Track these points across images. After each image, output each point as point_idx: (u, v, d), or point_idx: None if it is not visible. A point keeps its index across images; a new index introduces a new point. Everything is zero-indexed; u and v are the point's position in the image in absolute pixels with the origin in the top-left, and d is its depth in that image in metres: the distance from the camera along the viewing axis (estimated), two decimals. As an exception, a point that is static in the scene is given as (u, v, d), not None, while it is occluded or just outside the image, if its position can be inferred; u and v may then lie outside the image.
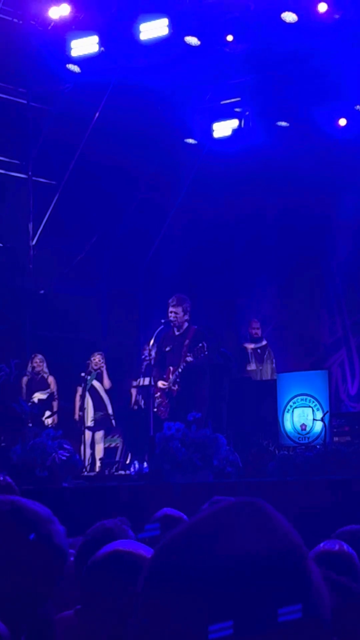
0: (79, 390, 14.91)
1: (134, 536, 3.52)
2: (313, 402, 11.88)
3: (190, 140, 16.80)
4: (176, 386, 12.07)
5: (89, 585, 2.75)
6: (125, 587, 2.49)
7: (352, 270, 16.67)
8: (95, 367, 15.08)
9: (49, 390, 14.93)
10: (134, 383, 15.02)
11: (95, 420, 14.96)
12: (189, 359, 11.88)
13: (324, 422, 11.49)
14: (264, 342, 15.50)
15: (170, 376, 12.14)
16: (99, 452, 14.89)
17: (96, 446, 14.93)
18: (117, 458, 14.67)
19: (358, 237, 16.17)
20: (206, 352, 11.83)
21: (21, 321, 16.29)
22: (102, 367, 15.17)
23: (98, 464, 14.24)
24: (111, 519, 3.69)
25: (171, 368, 12.16)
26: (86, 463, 13.56)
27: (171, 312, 12.18)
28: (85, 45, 14.47)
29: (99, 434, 15.04)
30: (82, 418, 14.63)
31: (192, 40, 14.05)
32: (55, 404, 14.85)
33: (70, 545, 3.84)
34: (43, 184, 16.48)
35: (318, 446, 11.06)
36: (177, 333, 12.23)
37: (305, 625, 1.28)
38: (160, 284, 17.49)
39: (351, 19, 13.35)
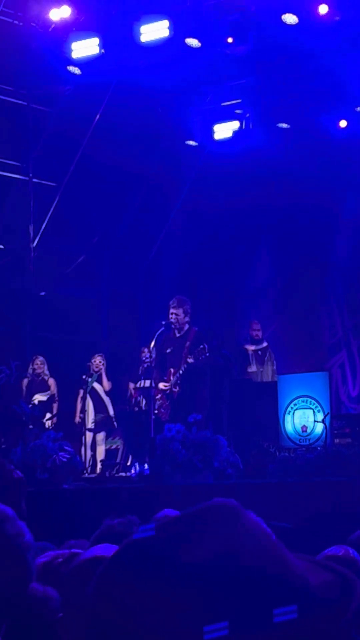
0: (80, 392, 14.91)
1: None
2: (314, 403, 11.89)
3: (191, 142, 16.81)
4: (177, 388, 12.07)
5: (69, 592, 2.73)
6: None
7: (353, 272, 16.67)
8: (96, 369, 15.09)
9: (49, 392, 14.94)
10: (132, 385, 15.02)
11: (95, 422, 14.96)
12: (190, 360, 11.88)
13: (324, 424, 11.49)
14: (265, 344, 15.49)
15: (171, 378, 12.14)
16: (100, 453, 14.89)
17: (97, 448, 14.93)
18: (118, 460, 14.67)
19: (358, 239, 16.18)
20: (207, 354, 11.84)
21: (22, 323, 16.29)
22: (102, 368, 15.17)
23: (99, 465, 14.24)
24: (119, 518, 3.69)
25: (172, 370, 12.16)
26: (87, 465, 13.56)
27: (172, 313, 12.18)
28: (86, 47, 14.47)
29: (100, 436, 15.05)
30: (83, 420, 14.63)
31: (193, 42, 14.04)
32: (55, 406, 14.85)
33: (71, 546, 3.84)
34: (44, 186, 16.47)
35: (319, 448, 11.06)
36: (177, 335, 12.23)
37: (290, 621, 1.28)
38: (160, 286, 17.50)
39: (352, 20, 13.35)
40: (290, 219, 16.77)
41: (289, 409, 12.01)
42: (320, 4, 13.20)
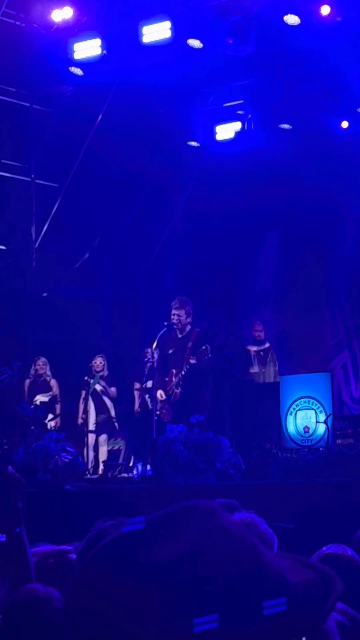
0: (82, 393, 14.91)
1: None
2: (316, 404, 11.88)
3: (193, 143, 16.81)
4: (179, 389, 12.07)
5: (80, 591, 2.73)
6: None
7: (355, 273, 16.67)
8: (97, 370, 15.09)
9: (51, 393, 14.94)
10: (137, 385, 15.01)
11: (97, 423, 14.96)
12: (192, 361, 11.88)
13: (326, 425, 11.49)
14: (267, 345, 15.49)
15: (173, 379, 12.14)
16: (102, 454, 14.89)
17: (99, 449, 14.93)
18: (120, 460, 14.67)
19: (361, 240, 16.19)
20: (209, 355, 11.84)
21: (23, 323, 16.29)
22: (104, 372, 15.16)
23: (101, 466, 14.24)
24: (110, 520, 3.68)
25: (174, 371, 12.16)
26: (89, 465, 13.56)
27: (174, 314, 12.18)
28: (87, 48, 14.47)
29: (102, 437, 15.05)
30: (85, 421, 14.63)
31: (195, 42, 14.04)
32: (57, 407, 14.86)
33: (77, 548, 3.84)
34: (45, 187, 16.48)
35: (321, 448, 11.06)
36: (179, 336, 12.23)
37: (268, 617, 1.28)
38: (162, 287, 17.50)
39: (354, 21, 13.35)
40: (292, 219, 16.77)
41: (291, 409, 12.01)
42: (322, 4, 13.20)
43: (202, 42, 14.02)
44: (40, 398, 14.68)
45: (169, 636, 1.26)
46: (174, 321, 12.18)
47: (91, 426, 14.75)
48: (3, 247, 16.42)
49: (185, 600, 1.26)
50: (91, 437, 14.61)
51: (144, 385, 14.26)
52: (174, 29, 13.78)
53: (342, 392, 16.35)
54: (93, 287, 17.78)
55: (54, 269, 16.66)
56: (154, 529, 1.34)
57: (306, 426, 11.85)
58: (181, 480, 9.76)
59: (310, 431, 11.81)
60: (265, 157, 15.90)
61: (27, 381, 14.89)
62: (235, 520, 1.37)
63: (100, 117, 15.99)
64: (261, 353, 15.41)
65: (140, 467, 11.59)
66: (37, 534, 4.12)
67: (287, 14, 13.33)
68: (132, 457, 14.10)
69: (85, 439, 14.04)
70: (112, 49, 14.38)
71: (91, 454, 14.36)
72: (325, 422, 11.54)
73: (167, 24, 13.81)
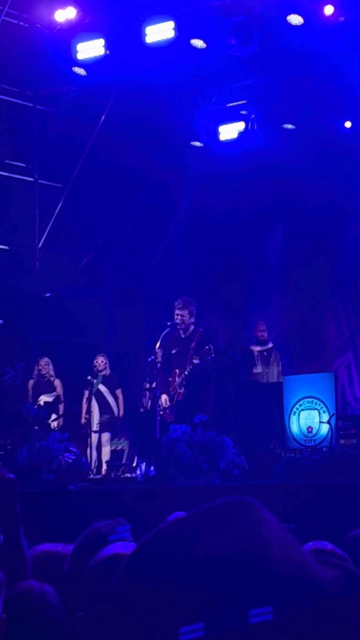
0: (86, 393, 14.92)
1: (129, 537, 3.51)
2: (319, 404, 11.88)
3: (196, 143, 16.80)
4: (182, 389, 12.07)
5: (90, 591, 2.73)
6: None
7: (358, 273, 16.66)
8: (99, 369, 15.10)
9: (55, 393, 14.95)
10: (147, 386, 15.01)
11: (101, 423, 14.96)
12: (196, 361, 11.88)
13: (330, 425, 11.48)
14: (270, 345, 15.49)
15: (177, 379, 12.14)
16: (105, 454, 14.89)
17: (102, 449, 14.93)
18: (124, 461, 14.67)
19: (364, 240, 16.18)
20: (212, 355, 11.84)
21: (27, 324, 16.30)
22: (106, 371, 15.17)
23: (104, 466, 14.24)
24: (107, 520, 3.68)
25: (177, 371, 12.16)
26: (92, 466, 13.56)
27: (177, 314, 12.19)
28: (91, 48, 14.48)
29: (105, 437, 15.05)
30: (88, 421, 14.63)
31: (198, 42, 14.04)
32: (61, 407, 14.86)
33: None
34: (49, 187, 16.49)
35: (324, 449, 11.05)
36: (183, 336, 12.24)
37: (300, 620, 1.27)
38: (166, 287, 17.49)
39: (357, 21, 13.34)
40: (295, 220, 16.76)
41: (295, 409, 12.00)
42: (326, 4, 13.19)
43: (205, 42, 14.02)
44: (44, 398, 14.69)
45: (218, 632, 1.25)
46: (177, 321, 12.18)
47: (95, 426, 14.76)
48: (6, 248, 16.43)
49: (238, 596, 1.26)
50: (94, 437, 14.61)
51: (150, 385, 14.28)
52: (177, 29, 13.79)
53: (345, 392, 16.34)
54: (96, 288, 17.79)
55: (57, 269, 16.66)
56: (198, 525, 1.33)
57: (309, 426, 11.84)
58: (184, 480, 9.76)
59: (314, 431, 11.80)
60: (269, 157, 15.89)
61: (31, 381, 14.90)
62: (272, 518, 1.36)
63: (103, 117, 15.99)
64: (264, 353, 15.40)
65: (143, 468, 11.59)
66: (40, 534, 4.12)
67: (290, 14, 13.32)
68: (136, 458, 14.09)
69: (89, 439, 14.05)
70: (116, 49, 14.39)
71: (94, 454, 14.36)
72: (328, 422, 11.53)
73: (170, 24, 13.81)
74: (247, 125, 15.98)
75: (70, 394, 15.15)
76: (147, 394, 14.79)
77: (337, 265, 17.03)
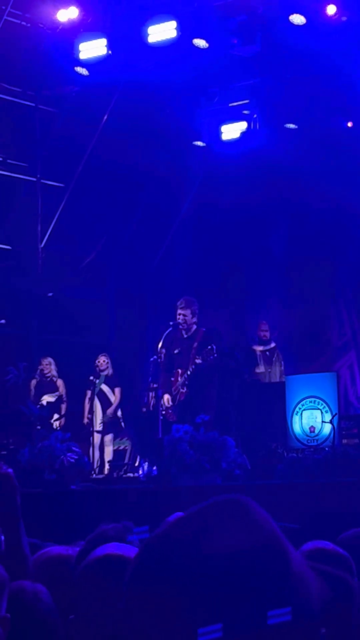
0: (88, 393, 14.92)
1: (136, 540, 3.51)
2: (322, 404, 11.88)
3: (199, 143, 16.80)
4: (184, 389, 12.07)
5: (83, 592, 2.72)
6: (118, 592, 2.47)
7: (361, 272, 16.68)
8: (101, 369, 15.10)
9: (57, 392, 14.95)
10: (152, 385, 15.00)
11: (103, 423, 14.97)
12: (198, 361, 11.88)
13: (332, 425, 11.48)
14: (273, 345, 15.49)
15: (179, 378, 12.14)
16: (108, 454, 14.90)
17: (105, 449, 14.93)
18: (126, 460, 14.67)
19: (367, 240, 16.17)
20: (215, 355, 11.84)
21: (29, 324, 16.30)
22: (109, 370, 15.17)
23: (107, 466, 14.25)
24: (114, 523, 3.68)
25: (179, 370, 12.16)
26: (95, 465, 13.56)
27: (179, 314, 12.19)
28: (93, 48, 14.48)
29: (108, 437, 15.05)
30: (90, 421, 14.64)
31: (201, 42, 14.03)
32: (63, 407, 14.87)
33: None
34: (51, 187, 16.49)
35: (327, 448, 11.06)
36: (185, 335, 12.24)
37: (291, 620, 1.27)
38: (168, 287, 17.49)
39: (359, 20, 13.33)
40: (298, 219, 16.75)
41: (297, 409, 12.00)
42: (329, 4, 13.19)
43: (207, 42, 14.01)
44: (47, 398, 14.70)
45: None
46: (180, 321, 12.18)
47: (97, 426, 14.76)
48: (9, 247, 16.43)
49: (211, 603, 1.26)
50: (97, 437, 14.61)
51: (150, 385, 14.29)
52: (180, 28, 13.78)
53: (348, 392, 16.33)
54: (99, 287, 17.79)
55: (59, 269, 16.66)
56: (200, 524, 1.34)
57: (312, 426, 11.85)
58: (187, 480, 9.76)
59: (316, 431, 11.80)
60: (271, 157, 15.88)
61: (34, 381, 14.91)
62: (267, 516, 1.36)
63: (105, 117, 15.99)
64: (267, 353, 15.40)
65: (146, 467, 11.60)
66: (42, 534, 4.12)
67: (292, 13, 13.32)
68: (138, 457, 14.10)
69: (91, 438, 14.05)
70: (118, 49, 14.38)
71: (97, 454, 14.36)
72: (331, 422, 11.53)
73: (172, 24, 13.81)
74: (249, 125, 15.97)
75: (72, 394, 15.15)
76: (150, 393, 14.79)
77: (339, 265, 17.02)
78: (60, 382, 15.02)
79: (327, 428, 11.59)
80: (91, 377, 14.69)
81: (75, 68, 14.80)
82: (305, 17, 13.31)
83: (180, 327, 12.21)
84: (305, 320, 17.06)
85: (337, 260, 17.02)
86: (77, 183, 16.49)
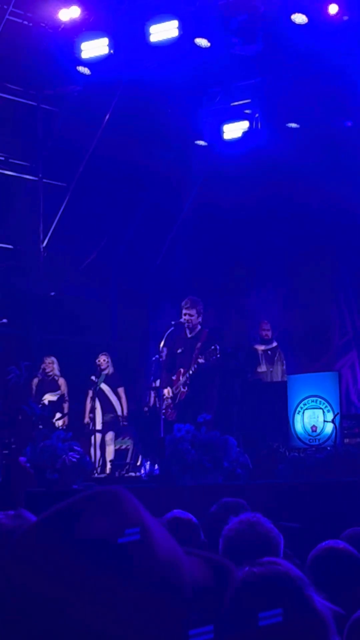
0: (90, 393, 14.92)
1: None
2: (323, 403, 11.87)
3: (200, 142, 16.79)
4: (185, 388, 12.07)
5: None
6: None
7: (362, 272, 16.67)
8: (102, 368, 15.10)
9: (59, 392, 14.95)
10: (153, 384, 15.02)
11: (104, 422, 14.97)
12: (201, 360, 11.89)
13: (334, 424, 11.48)
14: (274, 344, 15.48)
15: (180, 378, 12.14)
16: (110, 454, 14.90)
17: (106, 448, 14.94)
18: (128, 460, 14.68)
19: (368, 239, 16.16)
20: (218, 355, 11.84)
21: (31, 323, 16.31)
22: (109, 369, 15.17)
23: (108, 465, 14.25)
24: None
25: (181, 370, 12.16)
26: (96, 465, 13.57)
27: (185, 314, 12.20)
28: (95, 47, 14.48)
29: (109, 436, 15.05)
30: (92, 420, 14.64)
31: (202, 42, 14.03)
32: (65, 406, 14.87)
33: None
34: (53, 186, 16.49)
35: (328, 448, 11.06)
36: (189, 335, 12.24)
37: (158, 602, 1.33)
38: (169, 286, 17.50)
39: (361, 20, 13.33)
40: (299, 218, 16.75)
41: (299, 408, 12.00)
42: (330, 3, 13.18)
43: (209, 41, 14.02)
44: (48, 397, 14.70)
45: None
46: (185, 320, 12.19)
47: (98, 425, 14.76)
48: (10, 247, 16.43)
49: (79, 590, 1.31)
50: (98, 436, 14.62)
51: (153, 384, 14.29)
52: (181, 28, 13.79)
53: (349, 391, 16.33)
54: (101, 287, 17.79)
55: (61, 268, 16.66)
56: (75, 511, 1.39)
57: (314, 425, 11.84)
58: (189, 479, 9.76)
59: (318, 430, 11.79)
60: (273, 156, 15.87)
61: (35, 380, 14.91)
62: (137, 505, 1.41)
63: (107, 116, 15.99)
64: (269, 352, 15.40)
65: (147, 467, 11.61)
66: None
67: (294, 12, 13.32)
68: (140, 457, 14.10)
69: (93, 438, 14.05)
70: (120, 48, 14.39)
71: (98, 453, 14.37)
72: (332, 421, 11.52)
73: (174, 23, 13.81)
74: (251, 124, 15.96)
75: (74, 393, 15.16)
76: (152, 392, 14.80)
77: (341, 264, 17.02)
78: (62, 381, 15.02)
79: (329, 427, 11.59)
80: (92, 377, 14.69)
81: (77, 67, 14.80)
82: (307, 16, 13.31)
83: (185, 326, 12.22)
84: (306, 319, 17.06)
85: (338, 259, 17.02)
86: (78, 182, 16.49)
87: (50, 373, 14.99)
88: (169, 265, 18.06)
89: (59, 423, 13.75)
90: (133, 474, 12.75)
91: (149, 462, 11.74)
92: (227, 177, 16.62)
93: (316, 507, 8.39)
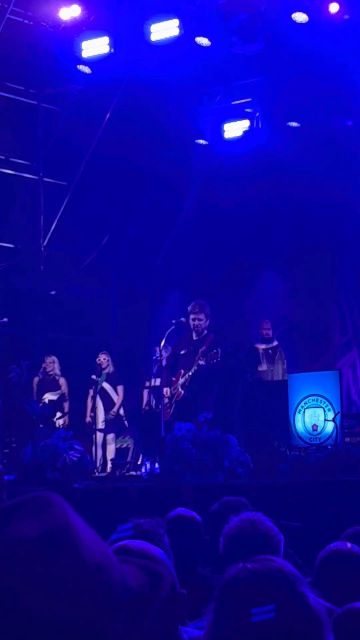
0: (91, 392, 14.92)
1: (167, 542, 3.52)
2: (324, 402, 11.87)
3: (201, 141, 16.80)
4: (183, 389, 12.08)
5: None
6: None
7: (363, 271, 16.67)
8: (102, 367, 15.10)
9: (59, 391, 14.94)
10: (147, 384, 15.02)
11: (106, 421, 14.96)
12: (201, 362, 11.89)
13: (335, 423, 11.48)
14: (275, 343, 15.48)
15: (180, 379, 12.14)
16: (110, 453, 14.90)
17: (107, 447, 14.94)
18: (129, 459, 14.68)
19: (369, 238, 16.17)
20: (218, 358, 11.84)
21: (31, 322, 16.31)
22: (109, 368, 15.17)
23: (109, 464, 14.25)
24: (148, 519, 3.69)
25: (182, 371, 12.16)
26: (97, 464, 13.57)
27: (194, 319, 12.19)
28: (95, 46, 14.48)
29: (110, 435, 15.05)
30: (93, 419, 14.64)
31: (203, 40, 14.03)
32: (66, 405, 14.86)
33: None
34: (54, 185, 16.49)
35: (329, 447, 11.06)
36: (194, 338, 12.24)
37: (87, 605, 1.35)
38: (170, 286, 17.49)
39: (362, 19, 13.32)
40: (300, 217, 16.75)
41: (300, 407, 12.00)
42: (331, 2, 13.18)
43: (210, 40, 14.01)
44: (49, 396, 14.69)
45: None
46: (194, 325, 12.18)
47: (99, 424, 14.76)
48: (11, 246, 16.42)
49: (46, 575, 1.34)
50: (99, 435, 14.62)
51: (150, 384, 14.29)
52: (182, 27, 13.78)
53: (350, 390, 16.34)
54: (101, 286, 17.79)
55: (62, 267, 16.66)
56: (7, 513, 1.42)
57: (314, 424, 11.84)
58: (189, 478, 9.76)
59: (319, 429, 11.80)
60: (274, 155, 15.87)
61: (36, 379, 14.90)
62: (65, 509, 1.43)
63: (108, 115, 15.99)
64: (269, 351, 15.40)
65: (148, 466, 11.60)
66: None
67: (295, 11, 13.31)
68: (141, 456, 14.10)
69: (94, 437, 14.05)
70: (120, 47, 14.38)
71: (99, 452, 14.37)
72: (333, 420, 11.53)
73: (175, 22, 13.81)
74: (252, 123, 15.95)
75: (74, 392, 15.15)
76: (146, 392, 14.82)
77: (341, 262, 17.02)
78: (62, 381, 15.02)
79: (330, 426, 11.59)
80: (93, 376, 14.69)
81: (78, 66, 14.79)
82: (308, 15, 13.30)
83: (194, 330, 12.22)
84: (307, 318, 17.07)
85: (339, 258, 17.02)
86: (79, 181, 16.49)
87: (51, 372, 14.99)
88: (170, 264, 18.06)
89: (60, 422, 13.74)
90: (134, 473, 12.75)
91: (149, 461, 11.74)
92: (228, 176, 16.62)
93: (317, 506, 8.39)
